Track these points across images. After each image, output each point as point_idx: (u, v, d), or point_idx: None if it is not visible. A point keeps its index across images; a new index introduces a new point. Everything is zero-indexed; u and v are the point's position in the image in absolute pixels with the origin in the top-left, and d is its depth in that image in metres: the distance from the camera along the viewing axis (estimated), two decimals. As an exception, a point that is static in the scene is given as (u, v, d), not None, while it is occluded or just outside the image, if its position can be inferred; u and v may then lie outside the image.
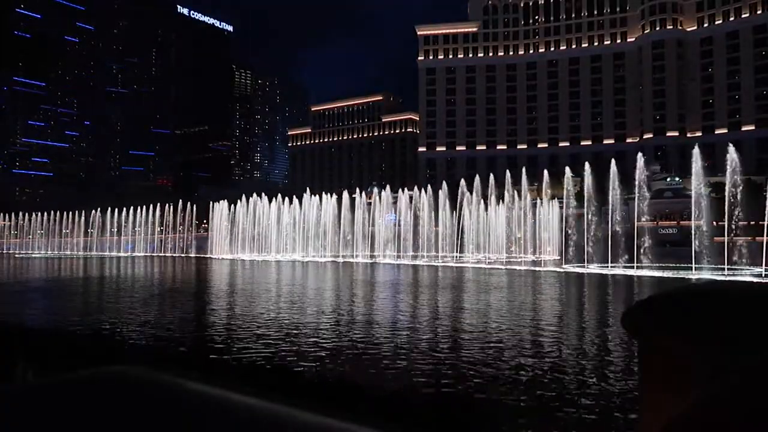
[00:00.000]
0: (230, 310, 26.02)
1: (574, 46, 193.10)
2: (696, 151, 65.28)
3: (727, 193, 62.23)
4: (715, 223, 66.24)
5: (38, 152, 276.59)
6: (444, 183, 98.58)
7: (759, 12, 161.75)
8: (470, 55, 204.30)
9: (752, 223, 68.41)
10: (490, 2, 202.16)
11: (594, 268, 62.83)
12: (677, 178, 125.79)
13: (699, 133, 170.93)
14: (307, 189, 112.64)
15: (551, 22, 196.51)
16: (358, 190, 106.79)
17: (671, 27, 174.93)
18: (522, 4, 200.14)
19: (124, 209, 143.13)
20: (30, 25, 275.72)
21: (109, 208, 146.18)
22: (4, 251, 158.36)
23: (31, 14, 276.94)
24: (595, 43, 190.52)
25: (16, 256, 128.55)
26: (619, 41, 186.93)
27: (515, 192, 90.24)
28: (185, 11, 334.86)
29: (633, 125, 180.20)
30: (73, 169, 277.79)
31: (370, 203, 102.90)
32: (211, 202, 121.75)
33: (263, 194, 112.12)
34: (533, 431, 10.01)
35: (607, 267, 63.46)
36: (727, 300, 0.94)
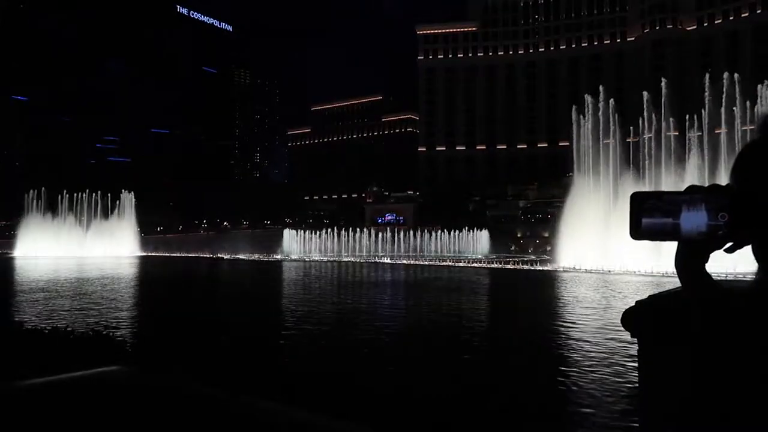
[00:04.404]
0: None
1: (573, 46, 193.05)
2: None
3: None
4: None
5: (38, 153, 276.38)
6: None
7: (759, 11, 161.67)
8: (470, 55, 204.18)
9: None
10: (489, 1, 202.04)
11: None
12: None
13: (699, 133, 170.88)
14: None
15: (551, 22, 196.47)
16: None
17: (671, 26, 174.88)
18: (522, 4, 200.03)
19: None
20: (29, 24, 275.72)
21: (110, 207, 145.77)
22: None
23: (30, 15, 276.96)
24: (595, 43, 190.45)
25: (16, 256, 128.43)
26: (618, 40, 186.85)
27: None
28: (185, 11, 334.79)
29: (633, 124, 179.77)
30: (72, 169, 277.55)
31: (369, 202, 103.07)
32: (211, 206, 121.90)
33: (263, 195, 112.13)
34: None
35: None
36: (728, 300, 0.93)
